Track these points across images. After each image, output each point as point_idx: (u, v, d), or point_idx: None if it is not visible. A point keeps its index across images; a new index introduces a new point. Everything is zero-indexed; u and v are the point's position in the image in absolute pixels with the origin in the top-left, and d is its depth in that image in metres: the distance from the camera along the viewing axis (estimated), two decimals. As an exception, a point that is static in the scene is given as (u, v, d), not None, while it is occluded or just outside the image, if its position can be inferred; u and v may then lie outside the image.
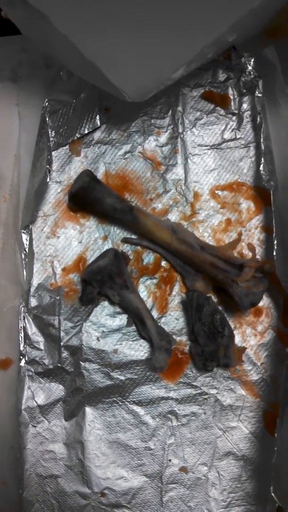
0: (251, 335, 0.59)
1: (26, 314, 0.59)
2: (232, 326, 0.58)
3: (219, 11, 0.53)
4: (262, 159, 0.60)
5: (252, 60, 0.62)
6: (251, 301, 0.56)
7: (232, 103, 0.64)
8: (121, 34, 0.53)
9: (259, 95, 0.62)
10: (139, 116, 0.64)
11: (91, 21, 0.52)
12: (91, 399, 0.57)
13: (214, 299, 0.59)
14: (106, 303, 0.60)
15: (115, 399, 0.58)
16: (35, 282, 0.60)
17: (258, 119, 0.62)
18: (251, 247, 0.59)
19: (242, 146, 0.63)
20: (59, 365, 0.58)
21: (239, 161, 0.63)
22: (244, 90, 0.63)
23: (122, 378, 0.58)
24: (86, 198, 0.59)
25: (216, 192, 0.62)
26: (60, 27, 0.51)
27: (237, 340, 0.58)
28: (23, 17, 0.55)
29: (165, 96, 0.64)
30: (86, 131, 0.63)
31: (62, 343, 0.58)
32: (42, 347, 0.58)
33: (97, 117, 0.63)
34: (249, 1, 0.52)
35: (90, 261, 0.60)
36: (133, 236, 0.61)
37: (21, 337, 0.58)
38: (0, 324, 0.59)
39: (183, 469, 0.56)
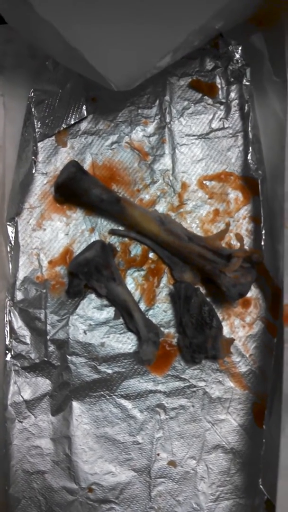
0: (239, 326, 0.58)
1: (12, 307, 0.58)
2: (220, 318, 0.57)
3: (204, -3, 0.52)
4: (250, 148, 0.59)
5: (240, 48, 0.61)
6: (239, 291, 0.55)
7: (220, 92, 0.63)
8: (106, 21, 0.52)
9: (247, 83, 0.61)
10: (126, 106, 0.63)
11: (76, 8, 0.51)
12: (78, 393, 0.57)
13: (202, 290, 0.58)
14: (93, 295, 0.59)
15: (102, 393, 0.57)
16: (20, 275, 0.59)
17: (246, 108, 0.61)
18: (239, 237, 0.59)
19: (230, 135, 0.62)
20: (45, 359, 0.57)
21: (227, 151, 0.62)
22: (232, 79, 0.62)
23: (110, 371, 0.57)
24: (73, 190, 0.58)
25: (204, 182, 0.61)
26: (44, 13, 0.50)
27: (226, 331, 0.58)
28: (6, 6, 0.54)
29: (152, 86, 0.63)
30: (73, 122, 0.62)
31: (48, 337, 0.57)
32: (28, 341, 0.58)
33: (84, 107, 0.62)
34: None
35: (77, 254, 0.59)
36: (120, 228, 0.60)
37: (7, 331, 0.58)
38: (-15, 318, 0.58)
39: (172, 463, 0.56)
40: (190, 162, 0.61)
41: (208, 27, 0.54)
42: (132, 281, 0.59)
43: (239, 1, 0.52)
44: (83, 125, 0.63)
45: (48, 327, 0.58)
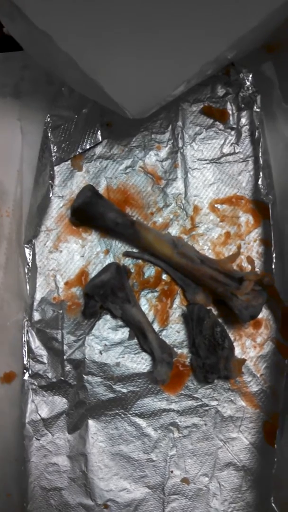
0: (250, 347, 0.60)
1: (30, 328, 0.60)
2: (232, 338, 0.59)
3: (220, 30, 0.53)
4: (261, 173, 0.61)
5: (250, 75, 0.64)
6: (250, 313, 0.56)
7: (231, 118, 0.65)
8: (123, 52, 0.54)
9: (257, 110, 0.63)
10: (139, 131, 0.65)
11: (94, 40, 0.53)
12: (94, 412, 0.58)
13: (214, 311, 0.60)
14: (108, 316, 0.61)
15: (117, 411, 0.58)
16: (38, 296, 0.61)
17: (257, 133, 0.63)
18: (250, 260, 0.60)
19: (241, 160, 0.64)
20: (62, 378, 0.59)
21: (238, 175, 0.64)
22: (243, 105, 0.64)
23: (124, 390, 0.59)
24: (88, 213, 0.60)
25: (216, 205, 0.63)
26: (63, 46, 0.52)
27: (237, 352, 0.59)
28: (25, 34, 0.56)
29: (165, 111, 0.65)
30: (88, 146, 0.64)
31: (65, 357, 0.59)
32: (45, 360, 0.59)
33: (99, 132, 0.64)
34: (249, 20, 0.53)
35: (92, 275, 0.61)
36: (134, 250, 0.62)
37: (25, 351, 0.59)
38: (4, 338, 0.59)
39: (185, 480, 0.57)
40: (202, 186, 0.63)
41: (222, 58, 0.56)
42: (146, 302, 0.61)
43: (252, 33, 0.54)
44: (98, 150, 0.65)
45: (65, 347, 0.59)
